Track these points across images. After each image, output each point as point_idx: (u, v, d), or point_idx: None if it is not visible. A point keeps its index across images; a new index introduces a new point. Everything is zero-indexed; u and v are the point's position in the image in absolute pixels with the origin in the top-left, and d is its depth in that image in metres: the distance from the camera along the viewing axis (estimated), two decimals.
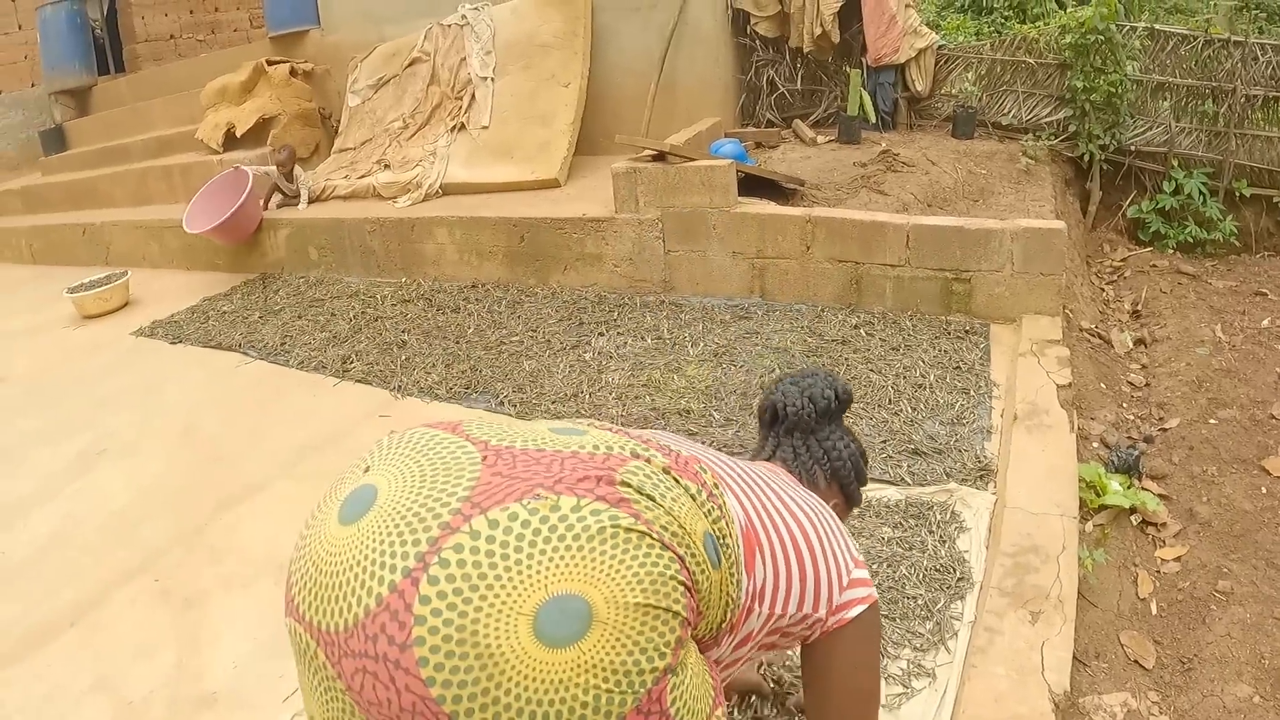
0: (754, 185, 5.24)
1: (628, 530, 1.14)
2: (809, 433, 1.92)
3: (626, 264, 5.09)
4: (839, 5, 6.43)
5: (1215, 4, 7.45)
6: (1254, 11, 6.91)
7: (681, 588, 1.16)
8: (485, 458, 1.22)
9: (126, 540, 3.51)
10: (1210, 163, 6.16)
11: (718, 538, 1.30)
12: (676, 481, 1.28)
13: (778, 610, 1.46)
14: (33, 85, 14.15)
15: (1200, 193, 6.08)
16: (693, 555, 1.21)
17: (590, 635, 1.07)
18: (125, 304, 7.14)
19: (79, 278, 8.65)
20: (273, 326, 5.64)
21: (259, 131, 8.07)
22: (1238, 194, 6.14)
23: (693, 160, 4.94)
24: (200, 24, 16.70)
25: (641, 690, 1.10)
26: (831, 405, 1.92)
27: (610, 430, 1.39)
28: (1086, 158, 6.27)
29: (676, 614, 1.15)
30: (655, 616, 1.12)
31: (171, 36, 16.23)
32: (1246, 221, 6.21)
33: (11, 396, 5.68)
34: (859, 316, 4.51)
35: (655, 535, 1.16)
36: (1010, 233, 4.29)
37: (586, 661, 1.06)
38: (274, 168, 7.09)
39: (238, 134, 8.14)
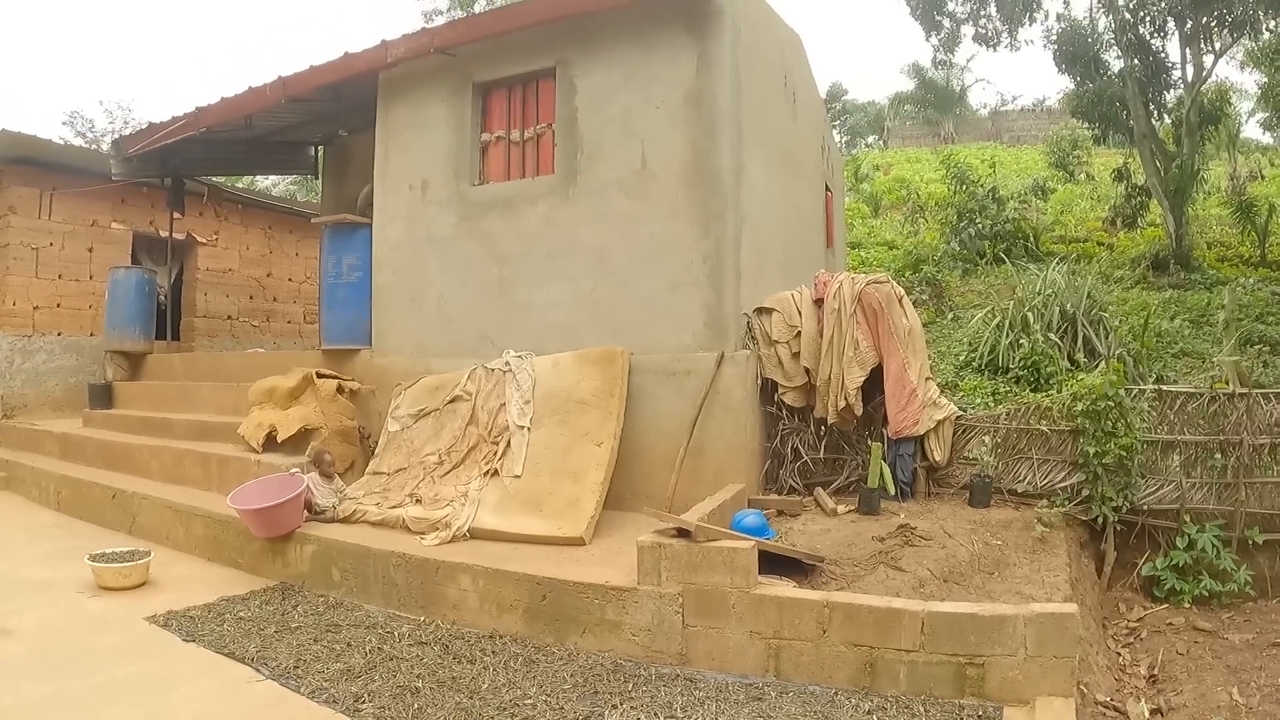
0: (775, 557, 5.41)
1: None
2: None
3: (645, 634, 5.16)
4: (863, 379, 6.84)
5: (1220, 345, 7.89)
6: (1258, 345, 7.31)
7: None
8: None
9: None
10: (1222, 514, 6.41)
11: None
12: None
13: None
14: (91, 335, 14.76)
15: (1213, 546, 6.26)
16: None
17: None
18: (144, 583, 7.12)
19: (101, 538, 8.67)
20: (288, 645, 5.62)
21: (299, 440, 8.33)
22: (1250, 541, 6.36)
23: (716, 540, 5.12)
24: (257, 310, 17.57)
25: None
26: None
27: None
28: (1100, 520, 6.50)
29: None
30: None
31: (229, 317, 17.06)
32: (1261, 568, 6.44)
33: (17, 656, 5.62)
34: (872, 701, 4.54)
35: None
36: (1024, 618, 4.46)
37: None
38: (316, 475, 7.30)
39: (279, 438, 8.40)
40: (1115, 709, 4.76)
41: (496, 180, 8.56)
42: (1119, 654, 5.75)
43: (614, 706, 4.55)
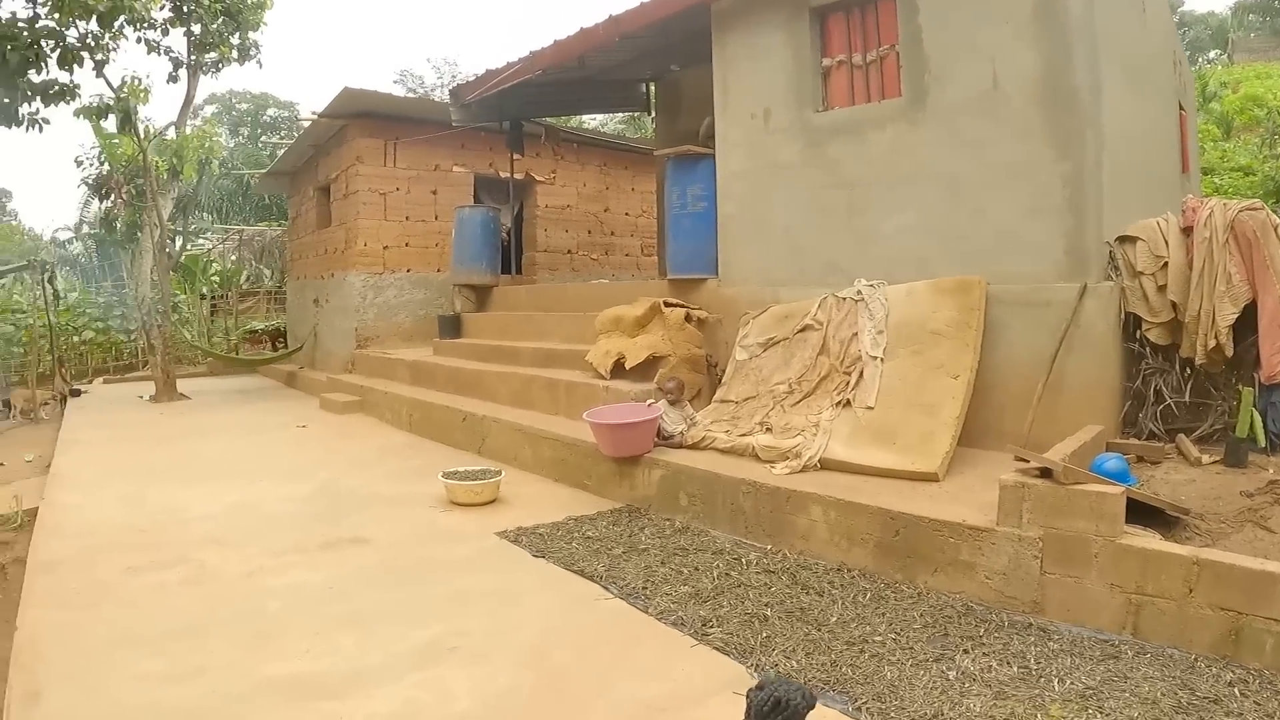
0: (1132, 506, 5.09)
1: None
2: None
3: (999, 578, 5.01)
4: (1234, 317, 6.25)
5: None
6: None
7: None
8: None
9: None
10: None
11: None
12: None
13: None
14: (437, 271, 16.03)
15: None
16: None
17: None
18: (493, 501, 7.55)
19: (450, 458, 9.31)
20: (636, 565, 5.85)
21: (646, 367, 8.62)
22: None
23: (1081, 483, 4.89)
24: (595, 244, 18.33)
25: None
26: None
27: None
28: None
29: None
30: None
31: (568, 251, 17.92)
32: None
33: (372, 564, 6.15)
34: (1234, 672, 4.17)
35: None
36: None
37: None
38: (663, 402, 7.55)
39: (626, 366, 8.72)
40: None
41: (840, 106, 8.39)
42: None
43: (965, 651, 4.44)
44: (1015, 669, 4.28)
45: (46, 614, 5.34)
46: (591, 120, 24.84)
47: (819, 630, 4.74)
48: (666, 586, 5.46)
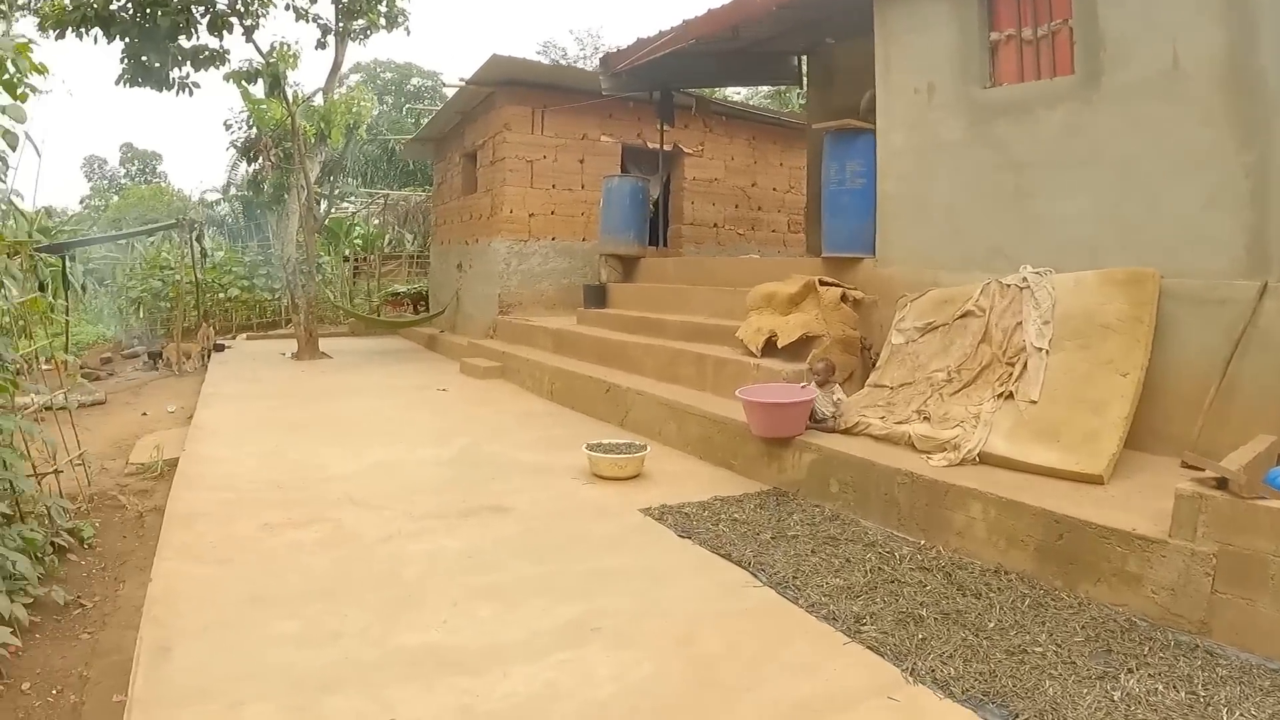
0: None
1: None
2: None
3: (1165, 593, 4.83)
4: None
5: None
6: None
7: None
8: None
9: None
10: None
11: None
12: None
13: None
14: (583, 240, 16.22)
15: None
16: None
17: None
18: (637, 475, 7.54)
19: (591, 428, 9.39)
20: (784, 553, 5.79)
21: (798, 347, 8.55)
22: None
23: (1263, 498, 4.66)
24: (742, 219, 18.28)
25: None
26: None
27: None
28: None
29: None
30: None
31: (714, 225, 17.90)
32: None
33: (512, 534, 6.18)
34: None
35: None
36: None
37: None
38: (815, 389, 7.47)
39: (778, 344, 8.65)
40: None
41: (1008, 82, 8.11)
42: None
43: (1129, 670, 4.30)
44: (1183, 694, 4.14)
45: (181, 567, 5.49)
46: (734, 94, 24.61)
47: (976, 636, 4.64)
48: (817, 578, 5.39)
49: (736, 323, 9.65)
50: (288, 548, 5.92)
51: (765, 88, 28.89)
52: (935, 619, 4.83)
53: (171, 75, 14.82)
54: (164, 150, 76.34)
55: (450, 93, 17.94)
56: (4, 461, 5.33)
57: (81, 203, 46.72)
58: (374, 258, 26.85)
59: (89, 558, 6.17)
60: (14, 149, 5.41)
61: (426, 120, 22.29)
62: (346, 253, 27.96)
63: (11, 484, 5.41)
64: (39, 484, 6.34)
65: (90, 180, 51.76)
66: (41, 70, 5.64)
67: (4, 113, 5.18)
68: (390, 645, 4.42)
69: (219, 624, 4.65)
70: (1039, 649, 4.53)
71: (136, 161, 52.07)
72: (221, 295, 23.96)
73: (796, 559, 5.72)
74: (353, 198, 31.03)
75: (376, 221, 29.92)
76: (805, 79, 14.90)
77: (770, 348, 8.87)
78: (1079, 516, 5.27)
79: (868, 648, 4.50)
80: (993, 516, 5.68)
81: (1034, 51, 7.96)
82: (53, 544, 5.88)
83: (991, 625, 4.79)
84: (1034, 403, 6.56)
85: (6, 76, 5.34)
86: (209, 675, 4.09)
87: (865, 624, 4.76)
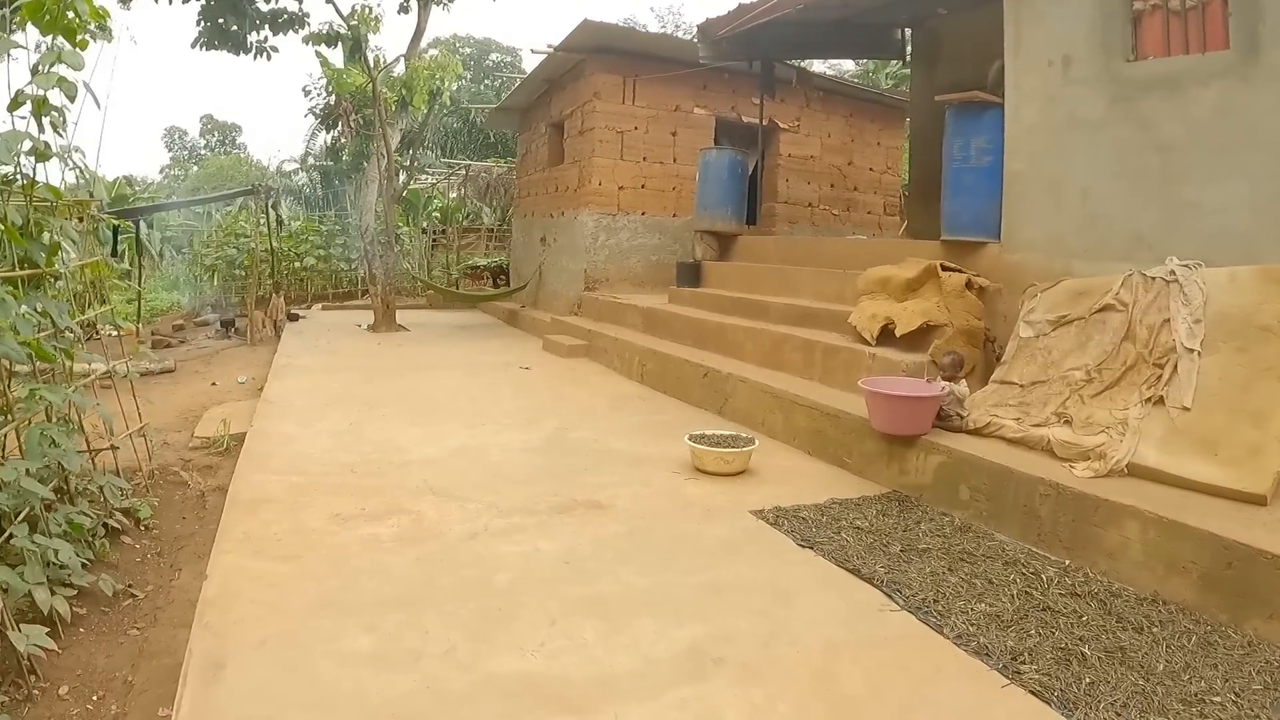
0: None
1: None
2: None
3: None
4: None
5: None
6: None
7: None
8: None
9: None
10: None
11: None
12: None
13: None
14: (674, 215, 15.77)
15: None
16: None
17: None
18: (743, 471, 7.07)
19: (686, 415, 8.99)
20: (920, 570, 5.29)
21: (917, 336, 8.05)
22: None
23: None
24: (837, 199, 17.72)
25: None
26: None
27: None
28: None
29: None
30: None
31: (809, 204, 17.37)
32: None
33: (613, 536, 5.70)
34: None
35: None
36: None
37: None
38: (945, 386, 6.96)
39: (896, 332, 8.16)
40: None
41: (1154, 56, 7.48)
42: None
43: None
44: None
45: (242, 562, 5.10)
46: (820, 67, 24.10)
47: (1147, 680, 4.12)
48: (960, 602, 4.87)
49: (845, 308, 9.18)
50: (362, 543, 5.50)
51: (849, 64, 28.15)
52: (1099, 658, 4.31)
53: (249, 38, 14.65)
54: (243, 122, 77.63)
55: (534, 64, 17.56)
56: (51, 439, 4.92)
57: (161, 172, 47.76)
58: (452, 230, 26.73)
59: (144, 540, 5.82)
60: (72, 100, 4.97)
61: (509, 92, 21.95)
62: (424, 225, 27.92)
63: (61, 464, 5.05)
64: (93, 460, 6.03)
65: (170, 151, 53.02)
66: (101, 16, 5.31)
67: (61, 60, 4.82)
68: (480, 672, 3.95)
69: (281, 635, 4.25)
70: (1217, 698, 4.01)
71: (216, 133, 53.23)
72: (297, 264, 24.05)
73: (934, 578, 5.18)
74: (431, 168, 30.93)
75: (455, 194, 29.81)
76: (909, 53, 14.29)
77: (886, 336, 8.39)
78: (1252, 544, 4.68)
79: (1030, 692, 3.99)
80: (1151, 538, 5.11)
81: (1181, 23, 7.34)
82: (105, 525, 5.58)
83: (1161, 668, 4.26)
84: (1186, 409, 5.97)
85: (67, 21, 5.01)
86: (267, 702, 3.67)
87: (1023, 662, 4.26)
